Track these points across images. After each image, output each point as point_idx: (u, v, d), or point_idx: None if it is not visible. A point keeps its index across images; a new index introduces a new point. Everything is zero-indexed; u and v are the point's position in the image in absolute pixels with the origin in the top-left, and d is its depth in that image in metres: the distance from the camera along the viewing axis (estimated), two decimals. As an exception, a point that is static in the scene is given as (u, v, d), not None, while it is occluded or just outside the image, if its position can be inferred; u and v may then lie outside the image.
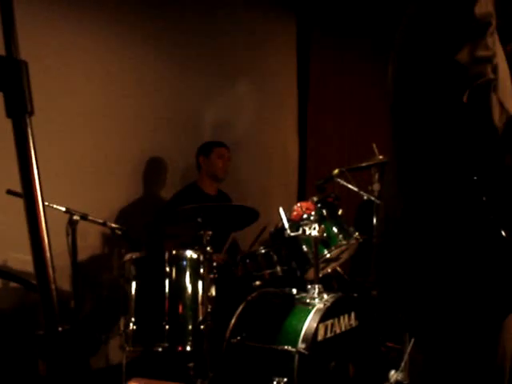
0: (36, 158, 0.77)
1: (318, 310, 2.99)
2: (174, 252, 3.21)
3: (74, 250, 3.19)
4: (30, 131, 0.76)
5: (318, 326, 2.92)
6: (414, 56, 1.44)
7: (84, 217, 3.24)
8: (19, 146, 0.76)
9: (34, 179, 0.75)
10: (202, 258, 3.21)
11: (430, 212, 1.44)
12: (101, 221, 3.34)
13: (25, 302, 3.56)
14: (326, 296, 3.11)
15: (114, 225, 3.39)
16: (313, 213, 3.36)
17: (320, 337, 2.96)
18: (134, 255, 3.24)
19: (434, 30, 1.39)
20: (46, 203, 3.09)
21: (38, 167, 0.77)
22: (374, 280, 3.45)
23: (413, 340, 1.84)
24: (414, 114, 1.46)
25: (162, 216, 3.72)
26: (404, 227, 1.50)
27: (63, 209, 3.17)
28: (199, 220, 3.19)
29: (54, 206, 3.13)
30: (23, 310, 3.57)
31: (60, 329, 0.74)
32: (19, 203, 0.79)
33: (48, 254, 0.73)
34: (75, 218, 3.18)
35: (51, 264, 0.74)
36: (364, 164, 3.69)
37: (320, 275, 3.29)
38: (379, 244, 1.68)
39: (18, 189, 0.79)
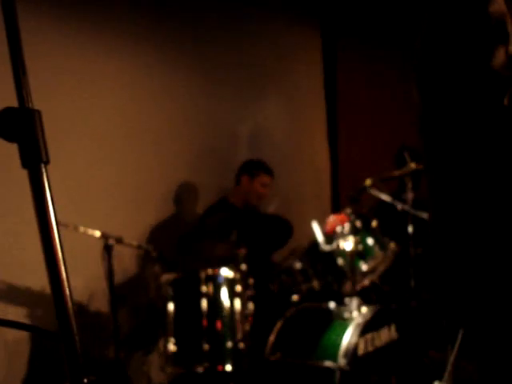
0: (53, 206, 0.77)
1: (357, 324, 2.96)
2: (209, 271, 3.20)
3: (110, 273, 3.22)
4: (45, 180, 0.76)
5: (357, 340, 2.89)
6: (440, 66, 1.40)
7: (119, 240, 3.26)
8: (36, 195, 0.76)
9: (52, 229, 0.75)
10: (237, 275, 3.20)
11: (463, 219, 1.40)
12: (136, 243, 3.36)
13: (51, 351, 3.59)
14: (364, 309, 3.07)
15: (148, 247, 3.41)
16: (347, 225, 3.33)
17: (360, 351, 2.92)
18: (171, 276, 3.25)
19: (455, 38, 1.36)
20: (82, 229, 3.13)
21: (55, 215, 0.77)
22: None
23: (456, 348, 1.78)
24: (446, 125, 1.42)
25: (191, 233, 3.71)
26: (436, 234, 1.47)
27: (98, 234, 3.20)
28: (233, 238, 3.19)
29: (90, 232, 3.16)
30: (41, 362, 3.59)
31: (85, 381, 0.73)
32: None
33: (70, 304, 0.73)
34: (110, 242, 3.20)
35: (73, 315, 0.73)
36: (396, 173, 3.64)
37: (357, 288, 3.26)
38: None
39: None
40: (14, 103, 0.75)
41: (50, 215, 0.74)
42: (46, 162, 0.77)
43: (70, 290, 0.74)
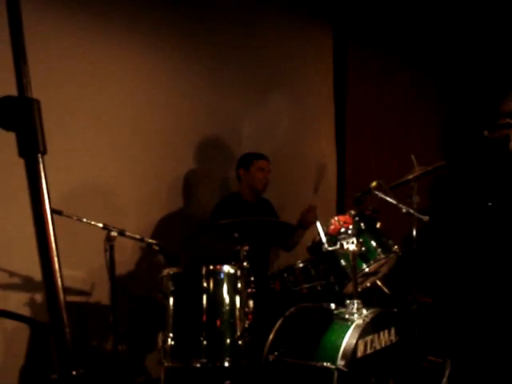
0: (49, 195, 0.76)
1: (357, 325, 2.94)
2: (211, 267, 3.20)
3: (112, 265, 3.21)
4: (42, 170, 0.75)
5: (357, 342, 2.87)
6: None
7: (122, 233, 3.25)
8: (31, 185, 0.75)
9: (47, 218, 0.74)
10: (239, 272, 3.20)
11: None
12: (138, 236, 3.35)
13: (40, 342, 3.59)
14: (365, 311, 3.06)
15: (151, 240, 3.40)
16: (351, 226, 3.31)
17: (359, 353, 2.90)
18: (172, 270, 3.24)
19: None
20: (85, 220, 3.13)
21: (50, 205, 0.76)
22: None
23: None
24: None
25: (203, 227, 3.69)
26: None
27: (101, 225, 3.19)
28: (236, 235, 3.18)
29: (92, 223, 3.16)
30: (38, 350, 3.59)
31: (74, 373, 0.73)
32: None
33: (61, 297, 0.72)
34: (113, 234, 3.19)
35: (65, 307, 0.73)
36: (403, 180, 3.63)
37: (359, 289, 3.24)
38: None
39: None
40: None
41: (45, 205, 0.74)
42: (43, 152, 0.76)
43: (61, 282, 0.73)
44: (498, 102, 3.52)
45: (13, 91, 0.74)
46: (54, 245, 0.74)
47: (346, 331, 2.91)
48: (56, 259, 0.73)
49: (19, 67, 0.73)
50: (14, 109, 0.74)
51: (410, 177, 3.63)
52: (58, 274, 0.73)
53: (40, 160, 0.76)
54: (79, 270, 3.73)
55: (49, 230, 0.74)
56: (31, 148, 0.75)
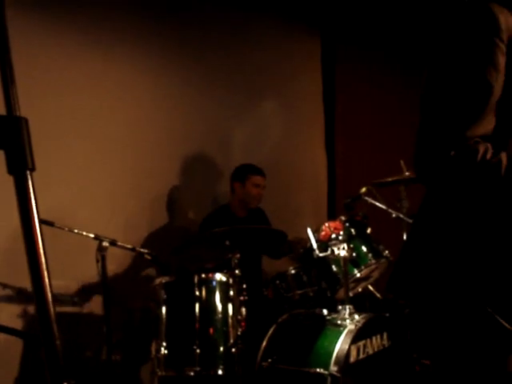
0: (38, 211, 0.78)
1: (349, 331, 2.96)
2: (203, 275, 3.21)
3: (104, 275, 3.22)
4: (30, 186, 0.77)
5: (349, 347, 2.89)
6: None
7: (113, 242, 3.27)
8: (21, 201, 0.77)
9: (36, 234, 0.76)
10: (231, 280, 3.21)
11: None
12: (130, 246, 3.37)
13: (32, 354, 3.59)
14: (357, 317, 3.07)
15: (143, 250, 3.42)
16: (341, 232, 3.34)
17: (352, 358, 2.92)
18: (164, 279, 3.25)
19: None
20: (76, 230, 3.14)
21: (39, 220, 0.78)
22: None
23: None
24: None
25: (192, 238, 3.72)
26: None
27: (92, 235, 3.20)
28: (227, 243, 3.20)
29: (84, 233, 3.17)
30: (30, 363, 3.59)
31: (65, 385, 0.74)
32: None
33: (52, 309, 0.73)
34: (104, 244, 3.21)
35: (55, 319, 0.74)
36: (390, 179, 3.65)
37: (351, 295, 3.27)
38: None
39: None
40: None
41: (34, 220, 0.76)
42: (32, 169, 0.78)
43: (51, 295, 0.75)
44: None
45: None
46: (43, 259, 0.76)
47: (339, 337, 2.93)
48: (45, 273, 0.75)
49: (7, 87, 0.75)
50: (2, 128, 0.76)
51: (397, 178, 3.64)
52: (48, 288, 0.74)
53: (29, 176, 0.78)
54: (71, 280, 3.73)
55: (38, 244, 0.76)
56: (20, 165, 0.77)
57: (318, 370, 2.86)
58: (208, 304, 3.18)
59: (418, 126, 1.50)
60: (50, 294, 0.74)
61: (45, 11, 3.77)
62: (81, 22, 3.96)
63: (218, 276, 3.23)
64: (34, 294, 0.74)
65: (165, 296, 3.21)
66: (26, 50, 3.45)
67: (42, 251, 0.76)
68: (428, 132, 1.46)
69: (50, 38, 3.80)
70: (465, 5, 1.46)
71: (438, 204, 1.52)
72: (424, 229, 1.57)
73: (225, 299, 3.20)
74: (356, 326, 2.98)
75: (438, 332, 1.54)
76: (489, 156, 1.37)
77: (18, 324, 3.53)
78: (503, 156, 1.39)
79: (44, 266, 0.75)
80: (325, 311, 3.23)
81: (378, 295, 3.88)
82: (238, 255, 3.19)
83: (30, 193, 0.77)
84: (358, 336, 2.96)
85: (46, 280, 0.74)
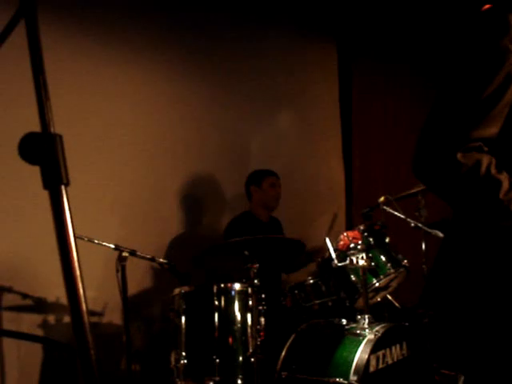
0: (73, 225, 0.80)
1: (368, 340, 2.95)
2: (222, 285, 3.22)
3: (123, 285, 3.24)
4: (65, 200, 0.79)
5: (369, 357, 2.88)
6: None
7: (133, 253, 3.29)
8: (56, 215, 0.79)
9: (71, 247, 0.78)
10: (250, 290, 3.22)
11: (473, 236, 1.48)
12: (149, 256, 3.39)
13: (53, 362, 3.62)
14: (376, 326, 3.07)
15: (162, 260, 3.44)
16: (360, 242, 3.34)
17: (372, 368, 2.91)
18: (183, 289, 3.26)
19: None
20: (96, 241, 3.17)
21: (74, 234, 0.80)
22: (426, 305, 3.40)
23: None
24: None
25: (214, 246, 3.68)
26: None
27: (112, 246, 3.23)
28: (246, 253, 3.21)
29: (104, 244, 3.20)
30: (52, 371, 3.62)
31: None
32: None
33: (87, 320, 0.75)
34: (124, 254, 3.23)
35: (89, 329, 0.76)
36: (409, 192, 3.65)
37: (370, 304, 3.26)
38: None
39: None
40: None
41: (69, 234, 0.78)
42: (66, 184, 0.80)
43: (86, 306, 0.77)
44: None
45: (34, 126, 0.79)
46: (78, 272, 0.78)
47: (358, 346, 2.93)
48: (80, 285, 0.77)
49: (42, 105, 0.78)
50: (38, 144, 0.78)
51: (415, 190, 3.65)
52: (82, 299, 0.76)
53: (63, 191, 0.80)
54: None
55: (73, 257, 0.78)
56: (55, 180, 0.79)
57: (337, 379, 2.86)
58: (227, 314, 3.18)
59: (423, 124, 1.50)
60: (84, 305, 0.76)
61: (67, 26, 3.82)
62: (104, 37, 4.02)
63: (237, 286, 3.23)
64: (69, 306, 0.76)
65: (184, 306, 3.22)
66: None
67: (76, 264, 0.78)
68: (432, 129, 1.46)
69: (81, 59, 3.85)
70: (480, 14, 1.46)
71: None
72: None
73: (244, 309, 3.20)
74: (375, 335, 2.97)
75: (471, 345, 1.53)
76: (493, 171, 1.37)
77: (37, 333, 3.56)
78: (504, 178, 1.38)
79: (79, 278, 0.77)
80: (344, 321, 3.23)
81: (397, 304, 3.87)
82: (257, 265, 3.20)
83: (64, 206, 0.79)
84: (377, 345, 2.95)
85: (81, 291, 0.76)
